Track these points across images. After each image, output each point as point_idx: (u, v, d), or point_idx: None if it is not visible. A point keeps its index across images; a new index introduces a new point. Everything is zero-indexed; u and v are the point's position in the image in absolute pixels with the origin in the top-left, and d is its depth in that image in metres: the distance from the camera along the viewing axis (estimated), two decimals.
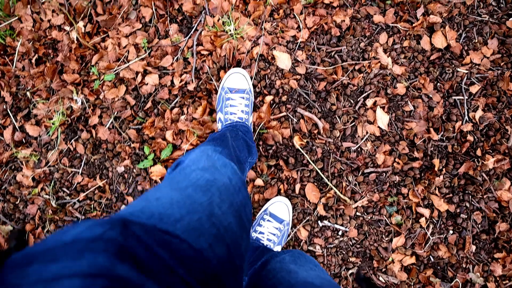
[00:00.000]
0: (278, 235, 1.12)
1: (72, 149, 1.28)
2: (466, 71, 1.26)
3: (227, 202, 0.51)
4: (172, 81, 1.26)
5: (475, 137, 1.24)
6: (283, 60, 1.25)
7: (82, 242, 0.30)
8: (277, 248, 1.12)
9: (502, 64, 1.26)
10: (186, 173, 0.55)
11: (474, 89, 1.25)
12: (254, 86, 1.25)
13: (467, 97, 1.25)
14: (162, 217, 0.41)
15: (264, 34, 1.26)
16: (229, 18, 1.25)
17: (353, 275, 1.21)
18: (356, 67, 1.25)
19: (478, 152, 1.23)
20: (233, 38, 1.25)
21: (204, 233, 0.42)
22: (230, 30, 1.25)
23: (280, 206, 1.16)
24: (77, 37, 1.30)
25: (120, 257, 0.30)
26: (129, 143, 1.26)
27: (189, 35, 1.27)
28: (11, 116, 1.30)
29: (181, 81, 1.25)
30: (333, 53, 1.26)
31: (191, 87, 1.24)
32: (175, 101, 1.26)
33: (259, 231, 1.12)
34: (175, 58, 1.27)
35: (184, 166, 0.59)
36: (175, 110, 1.25)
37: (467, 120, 1.25)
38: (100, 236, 0.31)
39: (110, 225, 0.33)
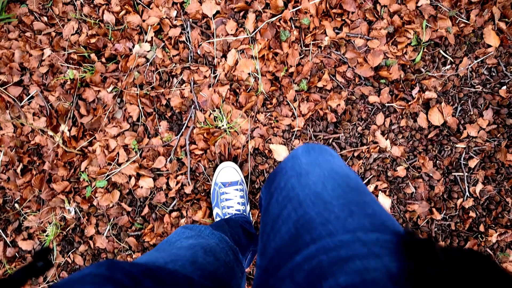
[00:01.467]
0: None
1: (70, 261, 1.19)
2: (464, 146, 1.21)
3: (212, 257, 0.52)
4: (167, 184, 1.18)
5: (477, 212, 1.20)
6: (280, 152, 1.17)
7: (72, 281, 0.33)
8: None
9: (498, 135, 1.22)
10: (170, 242, 0.58)
11: (472, 163, 1.21)
12: (253, 181, 1.18)
13: (466, 173, 1.21)
14: (147, 262, 0.43)
15: (258, 126, 1.18)
16: (220, 113, 1.17)
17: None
18: (355, 154, 1.19)
19: (481, 228, 1.19)
20: (227, 134, 1.17)
21: (187, 272, 0.43)
22: (222, 125, 1.16)
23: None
24: (62, 141, 1.20)
25: (105, 283, 0.33)
26: (129, 252, 1.18)
27: (180, 133, 1.18)
28: (0, 231, 1.20)
29: (177, 183, 1.17)
30: (330, 141, 1.20)
31: (188, 189, 1.16)
32: (173, 204, 1.18)
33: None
34: (168, 159, 1.18)
35: (169, 238, 0.62)
36: (174, 213, 1.17)
37: (468, 195, 1.21)
38: (89, 272, 0.35)
39: (97, 265, 0.36)
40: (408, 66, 1.23)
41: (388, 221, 0.37)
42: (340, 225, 0.35)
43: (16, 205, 1.20)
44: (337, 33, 1.22)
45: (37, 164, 1.21)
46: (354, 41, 1.22)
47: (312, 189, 0.43)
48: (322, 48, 1.22)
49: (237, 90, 1.19)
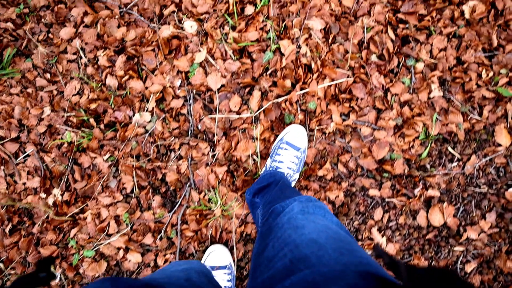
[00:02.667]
0: (296, 162, 1.07)
1: None
2: (462, 249, 1.14)
3: (205, 278, 0.54)
4: (155, 261, 1.13)
5: None
6: None
7: None
8: (296, 176, 1.09)
9: (499, 239, 1.15)
10: (164, 269, 0.62)
11: (469, 267, 1.14)
12: (242, 267, 1.12)
13: (462, 278, 1.15)
14: (147, 281, 0.44)
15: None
16: (216, 195, 1.11)
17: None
18: None
19: None
20: (220, 218, 1.11)
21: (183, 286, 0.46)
22: (216, 208, 1.11)
23: (296, 133, 1.09)
24: (54, 205, 1.15)
25: None
26: None
27: (173, 211, 1.13)
28: None
29: (165, 261, 1.12)
30: None
31: None
32: None
33: (278, 160, 1.05)
34: (159, 236, 1.13)
35: (163, 268, 0.65)
36: None
37: None
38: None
39: (101, 281, 0.37)
40: (413, 161, 1.16)
41: (373, 262, 0.42)
42: (333, 260, 0.40)
43: (1, 264, 1.16)
44: (344, 120, 1.15)
45: (27, 225, 1.16)
46: (360, 129, 1.15)
47: (307, 236, 0.47)
48: (327, 134, 1.16)
49: (235, 172, 1.13)
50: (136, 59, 1.20)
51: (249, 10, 1.19)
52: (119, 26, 1.21)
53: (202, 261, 1.08)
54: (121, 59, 1.18)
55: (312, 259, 0.41)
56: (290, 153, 1.07)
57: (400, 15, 1.19)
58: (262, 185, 0.96)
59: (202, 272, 0.58)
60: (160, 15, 1.21)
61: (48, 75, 1.21)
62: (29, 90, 1.20)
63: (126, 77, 1.17)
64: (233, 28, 1.19)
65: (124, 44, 1.20)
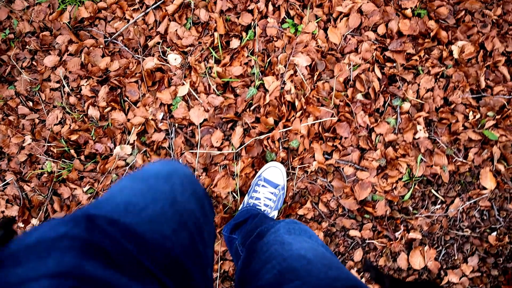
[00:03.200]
0: (274, 199, 1.05)
1: None
2: None
3: (189, 190, 0.49)
4: None
5: None
6: None
7: (47, 242, 0.28)
8: (274, 213, 1.06)
9: (481, 284, 1.12)
10: (146, 169, 0.51)
11: None
12: None
13: None
14: (127, 206, 0.38)
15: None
16: None
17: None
18: None
19: None
20: None
21: (167, 220, 0.40)
22: None
23: (274, 170, 1.07)
24: None
25: (87, 253, 0.28)
26: None
27: None
28: None
29: None
30: None
31: None
32: None
33: (255, 197, 1.04)
34: None
35: (143, 166, 0.59)
36: None
37: None
38: (65, 234, 0.29)
39: (74, 222, 0.31)
40: (395, 203, 1.13)
41: (360, 282, 0.41)
42: (323, 274, 0.39)
43: None
44: (327, 159, 1.13)
45: None
46: (343, 168, 1.13)
47: (295, 252, 0.47)
48: (309, 173, 1.13)
49: (214, 209, 1.11)
50: (119, 90, 1.17)
51: (235, 43, 1.16)
52: (103, 56, 1.19)
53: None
54: (104, 90, 1.16)
55: (302, 271, 0.40)
56: (268, 190, 1.05)
57: (387, 53, 1.16)
58: (239, 221, 0.94)
59: (186, 181, 0.50)
60: (145, 46, 1.19)
61: (30, 103, 1.19)
62: (11, 118, 1.18)
63: (109, 108, 1.15)
64: (218, 62, 1.16)
65: (108, 74, 1.18)
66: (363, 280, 1.11)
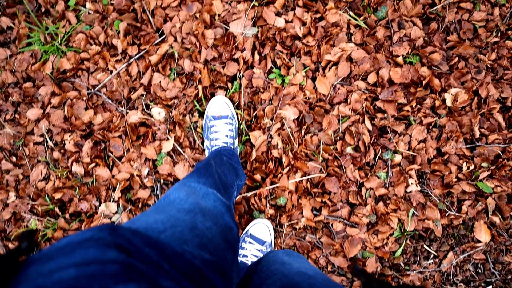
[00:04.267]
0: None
1: None
2: None
3: (210, 221, 0.50)
4: None
5: None
6: None
7: (74, 244, 0.31)
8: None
9: None
10: (169, 201, 0.56)
11: None
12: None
13: None
14: (147, 229, 0.40)
15: None
16: None
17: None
18: None
19: None
20: None
21: (187, 242, 0.41)
22: None
23: (261, 227, 1.05)
24: None
25: (110, 248, 0.31)
26: None
27: None
28: None
29: None
30: None
31: None
32: None
33: (242, 254, 1.02)
34: None
35: (167, 194, 0.60)
36: None
37: None
38: (91, 237, 0.32)
39: (99, 228, 0.33)
40: (386, 259, 1.08)
41: None
42: (324, 287, 0.40)
43: None
44: (315, 215, 1.08)
45: None
46: (332, 224, 1.08)
47: (295, 270, 0.47)
48: (297, 230, 1.08)
49: None
50: (103, 145, 1.13)
51: (220, 95, 1.11)
52: (86, 108, 1.14)
53: (205, 113, 1.08)
54: (88, 145, 1.12)
55: (304, 285, 0.40)
56: (255, 247, 1.02)
57: (378, 103, 1.10)
58: None
59: (207, 212, 0.53)
60: (128, 99, 1.14)
61: (14, 158, 1.15)
62: None
63: (93, 164, 1.11)
64: (202, 114, 1.11)
65: (92, 127, 1.13)
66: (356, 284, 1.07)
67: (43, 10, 1.20)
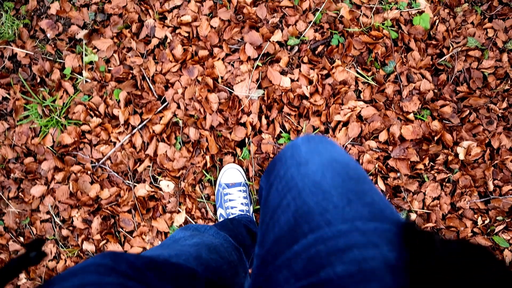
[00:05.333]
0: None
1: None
2: None
3: (217, 255, 0.50)
4: None
5: None
6: None
7: (75, 270, 0.32)
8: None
9: None
10: (175, 239, 0.56)
11: None
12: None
13: None
14: (151, 257, 0.40)
15: None
16: None
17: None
18: None
19: None
20: None
21: (191, 266, 0.41)
22: None
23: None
24: None
25: (109, 271, 0.31)
26: None
27: None
28: None
29: None
30: None
31: None
32: None
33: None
34: None
35: (172, 235, 0.61)
36: None
37: None
38: (93, 263, 0.32)
39: (102, 255, 0.34)
40: None
41: (387, 210, 0.34)
42: (339, 215, 0.33)
43: None
44: None
45: None
46: None
47: (311, 178, 0.40)
48: None
49: None
50: (112, 220, 1.08)
51: (229, 161, 1.06)
52: (92, 182, 1.09)
53: (218, 181, 1.05)
54: (97, 221, 1.07)
55: (316, 214, 0.35)
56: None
57: (390, 162, 1.06)
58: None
59: (213, 247, 0.54)
60: (135, 171, 1.09)
61: (21, 238, 1.10)
62: (3, 256, 1.09)
63: (104, 241, 1.06)
64: (212, 183, 1.07)
65: (99, 202, 1.09)
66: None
67: (38, 80, 1.14)
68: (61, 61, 1.14)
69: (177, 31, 1.11)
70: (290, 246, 0.34)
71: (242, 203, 1.02)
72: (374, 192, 0.37)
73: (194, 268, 0.41)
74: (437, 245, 0.25)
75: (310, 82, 1.08)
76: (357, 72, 1.08)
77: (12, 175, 1.12)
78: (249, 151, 1.06)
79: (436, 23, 1.12)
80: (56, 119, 1.10)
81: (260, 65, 1.08)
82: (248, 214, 1.02)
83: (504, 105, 1.09)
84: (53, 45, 1.15)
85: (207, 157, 1.05)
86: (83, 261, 0.35)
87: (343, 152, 0.48)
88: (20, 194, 1.11)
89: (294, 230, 0.36)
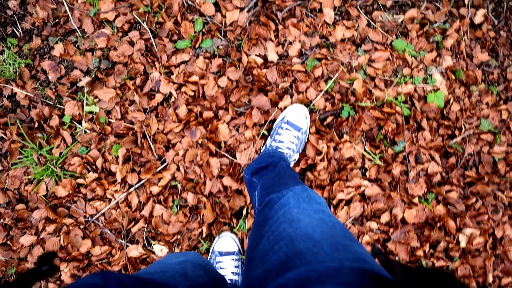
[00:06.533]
0: (297, 143, 1.00)
1: None
2: None
3: (202, 271, 0.50)
4: None
5: None
6: None
7: None
8: (295, 156, 1.01)
9: None
10: (160, 261, 0.57)
11: None
12: None
13: None
14: (139, 275, 0.42)
15: None
16: None
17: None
18: None
19: None
20: None
21: (177, 282, 0.42)
22: None
23: (297, 114, 1.01)
24: None
25: None
26: None
27: None
28: None
29: None
30: None
31: None
32: None
33: (278, 140, 0.98)
34: None
35: (159, 260, 0.60)
36: None
37: None
38: (83, 283, 0.33)
39: (91, 275, 0.35)
40: None
41: (370, 258, 0.39)
42: (328, 257, 0.37)
43: None
44: None
45: None
46: None
47: (303, 231, 0.44)
48: None
49: None
50: None
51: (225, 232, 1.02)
52: (84, 237, 1.05)
53: (212, 247, 1.02)
54: None
55: (308, 255, 0.39)
56: (291, 133, 0.98)
57: (390, 245, 1.02)
58: (260, 166, 0.87)
59: (198, 264, 0.55)
60: (128, 230, 1.04)
61: None
62: None
63: None
64: (207, 250, 1.02)
65: (90, 257, 1.04)
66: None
67: (36, 125, 1.08)
68: (61, 107, 1.08)
69: (182, 89, 1.05)
70: (283, 274, 0.37)
71: (232, 272, 0.98)
72: (358, 245, 0.42)
73: (178, 284, 0.41)
74: (398, 273, 0.28)
75: (318, 153, 1.03)
76: (365, 150, 1.03)
77: (2, 220, 1.07)
78: (244, 222, 1.02)
79: (451, 102, 1.07)
80: (52, 169, 1.05)
81: (266, 133, 1.03)
82: (237, 284, 0.98)
83: None
84: (53, 89, 1.09)
85: (204, 228, 1.01)
86: (72, 282, 0.33)
87: (329, 213, 0.54)
88: (8, 241, 1.07)
89: (286, 263, 0.39)
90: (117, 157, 1.03)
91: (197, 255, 0.65)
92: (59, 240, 1.05)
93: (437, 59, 1.09)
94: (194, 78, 1.05)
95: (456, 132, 1.06)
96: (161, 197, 1.02)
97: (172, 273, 0.44)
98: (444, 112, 1.07)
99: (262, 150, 1.01)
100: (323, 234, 0.44)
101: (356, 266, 0.35)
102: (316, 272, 0.35)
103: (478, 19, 1.10)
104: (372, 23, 1.09)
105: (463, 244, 1.03)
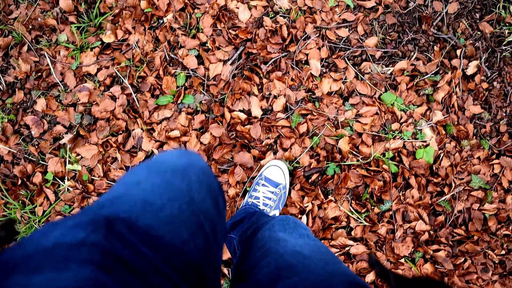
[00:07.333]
0: (274, 199, 0.97)
1: None
2: None
3: (205, 186, 0.46)
4: None
5: None
6: None
7: (64, 248, 0.26)
8: (274, 213, 0.98)
9: None
10: (162, 160, 0.47)
11: None
12: None
13: None
14: (145, 205, 0.36)
15: None
16: None
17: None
18: None
19: None
20: None
21: (185, 222, 0.38)
22: None
23: (275, 170, 0.99)
24: None
25: (106, 266, 0.26)
26: None
27: None
28: None
29: None
30: None
31: None
32: None
33: (254, 196, 0.97)
34: None
35: (159, 155, 0.53)
36: None
37: None
38: (83, 241, 0.27)
39: (93, 227, 0.29)
40: None
41: (358, 277, 0.40)
42: (320, 270, 0.38)
43: None
44: None
45: None
46: None
47: (291, 248, 0.45)
48: None
49: None
50: None
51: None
52: None
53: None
54: None
55: (299, 267, 0.39)
56: (268, 189, 0.96)
57: None
58: (236, 220, 0.87)
59: (204, 184, 0.45)
60: None
61: None
62: None
63: None
64: None
65: None
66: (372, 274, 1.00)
67: (19, 181, 1.07)
68: (44, 163, 1.06)
69: (164, 147, 1.02)
70: (273, 284, 0.37)
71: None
72: (345, 266, 0.43)
73: (187, 241, 0.36)
74: (392, 282, 0.28)
75: (301, 211, 1.01)
76: (350, 210, 1.00)
77: None
78: (229, 280, 1.00)
79: (441, 157, 1.03)
80: (35, 228, 1.03)
81: (248, 190, 1.00)
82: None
83: (503, 251, 1.01)
84: (36, 146, 1.07)
85: None
86: (68, 224, 0.28)
87: (313, 237, 0.56)
88: None
89: (277, 274, 0.39)
90: None
91: (198, 164, 0.50)
92: None
93: (427, 113, 1.04)
94: (176, 133, 1.02)
95: (446, 189, 1.02)
96: None
97: (180, 203, 0.38)
98: (434, 168, 1.03)
99: (239, 207, 0.99)
100: (312, 251, 0.44)
101: (348, 280, 0.36)
102: (310, 281, 0.35)
103: (470, 70, 1.05)
104: (360, 76, 1.05)
105: None
